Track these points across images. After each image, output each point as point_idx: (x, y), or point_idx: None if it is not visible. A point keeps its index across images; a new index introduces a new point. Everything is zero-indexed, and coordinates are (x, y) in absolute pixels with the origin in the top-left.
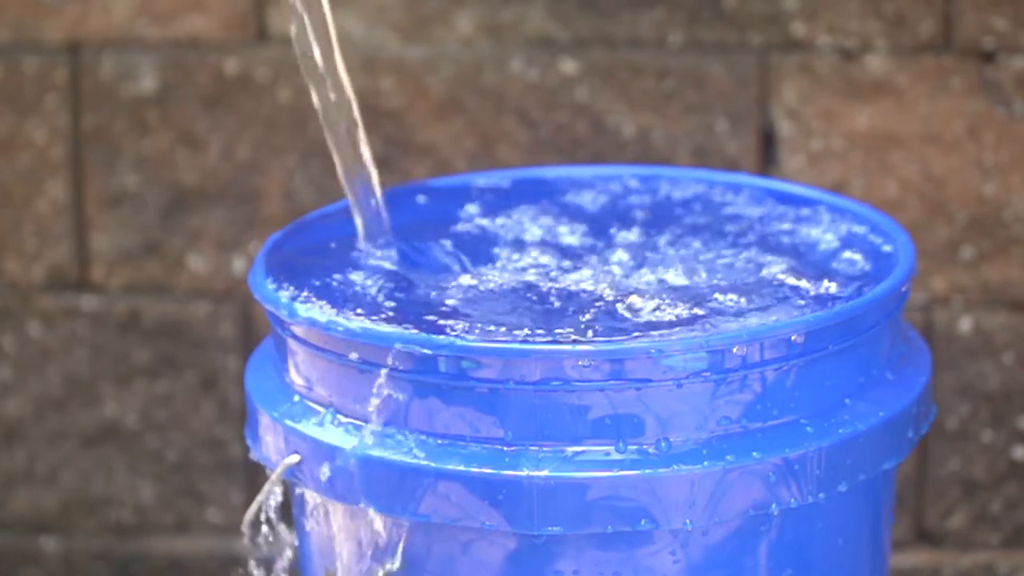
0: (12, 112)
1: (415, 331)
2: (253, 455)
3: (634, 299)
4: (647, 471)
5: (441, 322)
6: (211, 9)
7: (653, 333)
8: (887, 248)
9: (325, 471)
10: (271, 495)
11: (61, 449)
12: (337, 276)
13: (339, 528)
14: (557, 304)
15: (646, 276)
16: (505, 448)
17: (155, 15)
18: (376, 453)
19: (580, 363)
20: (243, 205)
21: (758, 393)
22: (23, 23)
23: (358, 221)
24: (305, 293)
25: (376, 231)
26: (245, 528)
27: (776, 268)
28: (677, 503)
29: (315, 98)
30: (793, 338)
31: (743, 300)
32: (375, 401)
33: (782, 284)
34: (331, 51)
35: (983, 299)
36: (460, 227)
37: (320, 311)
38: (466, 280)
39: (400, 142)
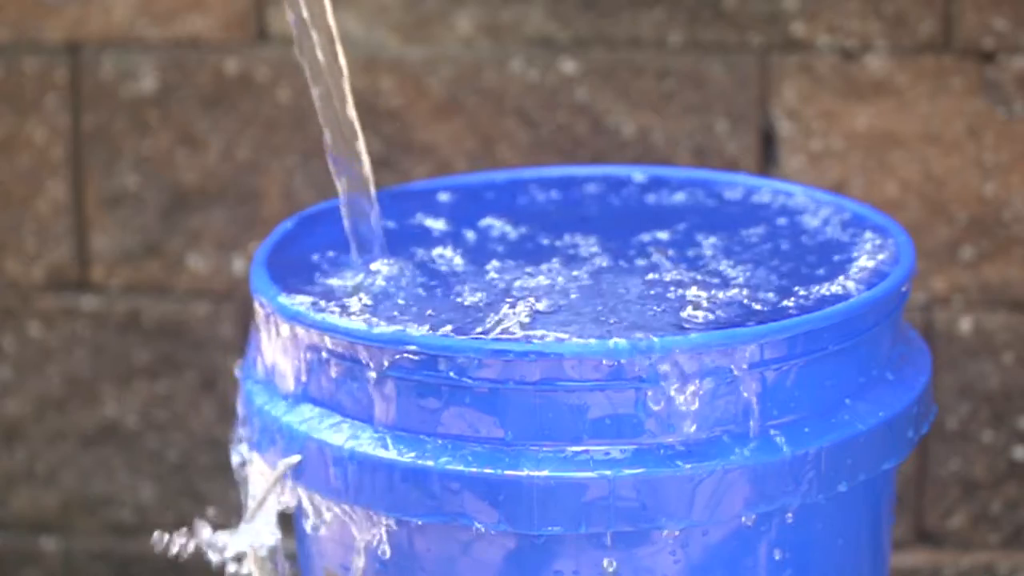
0: (12, 112)
1: (415, 331)
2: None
3: (633, 299)
4: (647, 471)
5: (440, 322)
6: (211, 9)
7: (653, 333)
8: (887, 248)
9: (325, 471)
10: (271, 495)
11: (61, 449)
12: (336, 276)
13: (339, 528)
14: (553, 303)
15: (644, 276)
16: (505, 448)
17: (155, 15)
18: (376, 453)
19: (580, 363)
20: (243, 205)
21: (758, 393)
22: (23, 23)
23: (352, 240)
24: (305, 293)
25: (371, 244)
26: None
27: (775, 267)
28: (677, 503)
29: (321, 117)
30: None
31: (743, 300)
32: (375, 401)
33: (781, 284)
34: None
35: (983, 299)
36: (454, 229)
37: (320, 311)
38: (465, 281)
39: (400, 142)
